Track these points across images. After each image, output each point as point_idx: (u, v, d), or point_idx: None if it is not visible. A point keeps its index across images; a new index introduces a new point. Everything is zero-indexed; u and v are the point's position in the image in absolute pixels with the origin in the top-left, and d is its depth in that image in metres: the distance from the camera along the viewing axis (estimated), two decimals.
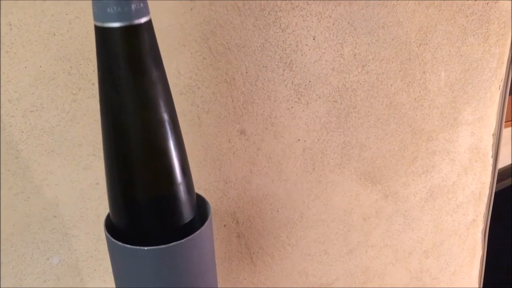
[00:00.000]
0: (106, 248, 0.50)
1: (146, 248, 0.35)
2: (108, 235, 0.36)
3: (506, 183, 1.19)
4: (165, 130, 0.32)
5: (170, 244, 0.35)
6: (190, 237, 0.36)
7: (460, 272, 0.84)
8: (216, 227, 0.57)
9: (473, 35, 0.65)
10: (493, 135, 0.76)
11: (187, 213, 0.36)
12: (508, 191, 1.19)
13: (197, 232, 0.36)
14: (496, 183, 1.17)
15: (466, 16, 0.63)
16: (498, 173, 1.20)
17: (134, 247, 0.35)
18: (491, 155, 0.78)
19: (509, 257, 1.26)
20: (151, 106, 0.31)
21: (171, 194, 0.34)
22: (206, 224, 0.37)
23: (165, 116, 0.32)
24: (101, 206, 0.48)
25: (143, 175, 0.33)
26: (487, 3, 0.64)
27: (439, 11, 0.61)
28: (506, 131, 1.18)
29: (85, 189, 0.47)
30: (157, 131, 0.32)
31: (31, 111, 0.42)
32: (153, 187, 0.34)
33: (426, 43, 0.62)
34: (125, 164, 0.33)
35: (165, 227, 0.35)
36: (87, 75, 0.43)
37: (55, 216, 0.47)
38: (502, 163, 1.25)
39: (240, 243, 0.59)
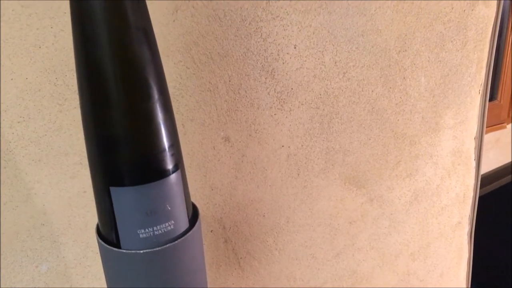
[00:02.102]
0: (95, 255, 0.51)
1: (141, 251, 0.36)
2: (102, 242, 0.37)
3: (493, 186, 1.21)
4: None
5: (164, 246, 0.36)
6: (182, 238, 0.37)
7: (447, 274, 0.86)
8: (203, 232, 0.58)
9: (451, 42, 0.67)
10: (475, 138, 0.78)
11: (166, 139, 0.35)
12: (496, 193, 1.20)
13: (189, 233, 0.37)
14: (483, 187, 1.19)
15: (444, 23, 0.65)
16: (485, 177, 1.23)
17: (128, 251, 0.36)
18: (473, 158, 0.79)
19: (496, 259, 1.28)
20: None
21: (148, 110, 0.32)
22: (196, 225, 0.38)
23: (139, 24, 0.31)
24: (89, 214, 0.49)
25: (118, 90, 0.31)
26: (464, 11, 0.66)
27: (417, 19, 0.63)
28: (488, 136, 1.20)
29: (72, 197, 0.48)
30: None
31: (18, 122, 0.43)
32: (130, 103, 0.31)
33: (405, 50, 0.64)
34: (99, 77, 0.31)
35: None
36: (72, 86, 0.44)
37: (43, 224, 0.48)
38: (489, 166, 1.27)
39: (227, 248, 0.60)
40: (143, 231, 0.34)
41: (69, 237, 0.49)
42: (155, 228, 0.34)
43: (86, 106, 0.32)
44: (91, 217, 0.50)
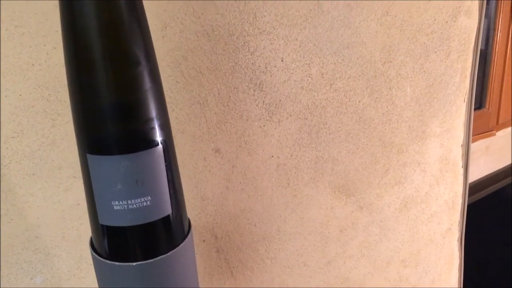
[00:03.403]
0: (88, 267, 0.52)
1: (134, 264, 0.37)
2: (95, 255, 0.38)
3: (484, 192, 1.23)
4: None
5: (156, 258, 0.37)
6: (174, 250, 0.38)
7: (438, 280, 0.87)
8: (195, 243, 0.59)
9: (435, 52, 0.69)
10: (461, 146, 0.79)
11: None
12: (487, 200, 1.22)
13: (181, 244, 0.39)
14: (475, 193, 1.20)
15: (427, 35, 0.67)
16: (476, 183, 1.24)
17: (121, 263, 0.37)
18: (461, 165, 0.81)
19: (488, 266, 1.29)
20: None
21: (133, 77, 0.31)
22: (188, 236, 0.39)
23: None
24: (82, 226, 0.50)
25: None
26: (446, 22, 0.68)
27: (400, 31, 0.64)
28: (478, 144, 1.22)
29: (66, 210, 0.49)
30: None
31: (12, 137, 0.44)
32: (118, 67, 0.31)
33: (390, 61, 0.65)
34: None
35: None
36: (65, 101, 0.45)
37: (38, 237, 0.49)
38: (480, 173, 1.28)
39: (219, 257, 0.61)
40: (117, 203, 0.33)
41: (63, 249, 0.50)
42: (129, 202, 0.33)
43: (71, 71, 0.31)
44: (85, 230, 0.51)
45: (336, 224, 0.70)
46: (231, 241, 0.61)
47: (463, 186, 0.82)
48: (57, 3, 0.42)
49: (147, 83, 0.32)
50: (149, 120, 0.32)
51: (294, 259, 0.68)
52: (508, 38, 1.16)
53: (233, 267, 0.63)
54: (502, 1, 1.11)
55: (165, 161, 0.34)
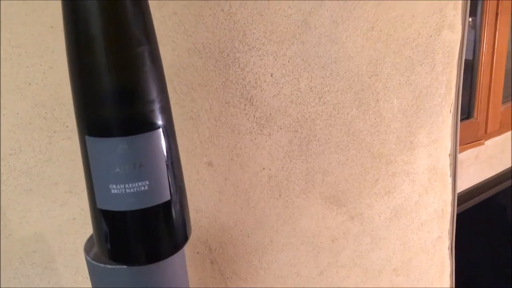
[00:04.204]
0: (85, 280, 0.53)
1: (125, 267, 0.39)
2: (89, 259, 0.39)
3: (475, 201, 1.24)
4: None
5: (148, 265, 0.39)
6: (166, 259, 0.39)
7: None
8: (189, 254, 0.60)
9: (420, 65, 0.71)
10: (449, 155, 0.81)
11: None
12: (478, 208, 1.24)
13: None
14: (465, 202, 1.22)
15: (412, 48, 0.69)
16: (466, 192, 1.26)
17: (113, 266, 0.39)
18: (449, 175, 0.83)
19: (479, 273, 1.30)
20: None
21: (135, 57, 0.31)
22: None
23: None
24: (78, 240, 0.51)
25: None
26: (430, 36, 0.70)
27: (386, 45, 0.67)
28: (468, 153, 1.24)
29: (62, 225, 0.50)
30: None
31: (10, 154, 0.46)
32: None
33: (377, 74, 0.67)
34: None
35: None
36: (61, 118, 0.47)
37: (35, 251, 0.50)
38: (470, 182, 1.30)
39: (213, 269, 0.63)
40: (114, 186, 0.32)
41: (60, 263, 0.51)
42: (127, 186, 0.32)
43: (71, 51, 0.31)
44: (81, 243, 0.52)
45: (327, 234, 0.71)
46: (225, 252, 0.63)
47: (452, 195, 0.84)
48: (52, 23, 0.44)
49: (148, 64, 0.31)
50: (149, 102, 0.31)
51: (287, 269, 0.69)
52: (493, 49, 1.18)
53: (227, 278, 0.64)
54: (487, 14, 1.14)
55: (165, 145, 0.33)
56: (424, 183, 0.79)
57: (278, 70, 0.59)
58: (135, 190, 0.32)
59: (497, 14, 1.17)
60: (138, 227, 0.34)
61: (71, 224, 0.51)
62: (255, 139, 0.60)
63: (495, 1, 1.15)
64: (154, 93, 0.32)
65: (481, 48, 1.21)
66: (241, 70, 0.56)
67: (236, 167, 0.60)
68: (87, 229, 0.51)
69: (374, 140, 0.71)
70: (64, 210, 0.50)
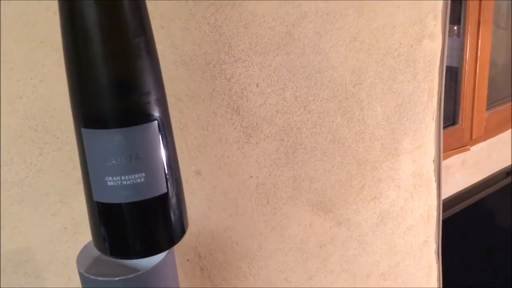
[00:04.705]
0: None
1: (116, 279, 0.40)
2: (80, 271, 0.40)
3: (462, 205, 1.26)
4: None
5: (138, 273, 0.40)
6: (155, 265, 0.41)
7: None
8: (179, 262, 0.61)
9: (402, 74, 0.73)
10: (433, 161, 0.83)
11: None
12: (465, 212, 1.26)
13: (161, 260, 0.41)
14: (452, 207, 1.24)
15: (394, 58, 0.71)
16: (454, 197, 1.28)
17: (104, 278, 0.40)
18: (434, 180, 0.85)
19: (466, 277, 1.32)
20: None
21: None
22: (169, 251, 0.42)
23: None
24: (70, 249, 0.52)
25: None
26: (411, 45, 0.73)
27: (368, 55, 0.69)
28: (454, 159, 1.26)
29: (54, 234, 0.51)
30: None
31: (2, 166, 0.47)
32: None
33: (360, 83, 0.69)
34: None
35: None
36: (51, 130, 0.48)
37: (27, 261, 0.51)
38: (457, 187, 1.32)
39: (203, 276, 0.64)
40: (111, 178, 0.32)
41: (52, 272, 0.52)
42: (123, 178, 0.32)
43: (67, 42, 0.31)
44: (72, 252, 0.53)
45: (315, 240, 0.72)
46: (215, 259, 0.64)
47: (437, 200, 0.86)
48: (43, 38, 0.46)
49: (144, 56, 0.31)
50: (145, 94, 0.31)
51: (276, 275, 0.70)
52: (476, 57, 1.21)
53: (217, 285, 0.65)
54: (469, 23, 1.17)
55: (161, 137, 0.33)
56: (409, 189, 0.81)
57: (263, 80, 0.61)
58: (132, 182, 0.32)
59: (479, 23, 1.20)
60: (134, 219, 0.34)
61: (63, 233, 0.52)
62: (242, 147, 0.62)
63: (477, 10, 1.18)
64: (150, 85, 0.32)
65: (464, 56, 1.24)
66: (227, 81, 0.58)
67: (224, 175, 0.62)
68: (78, 238, 0.52)
69: (359, 147, 0.73)
70: (55, 219, 0.51)
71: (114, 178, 0.32)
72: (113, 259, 0.47)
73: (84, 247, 0.45)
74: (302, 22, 0.61)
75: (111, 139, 0.31)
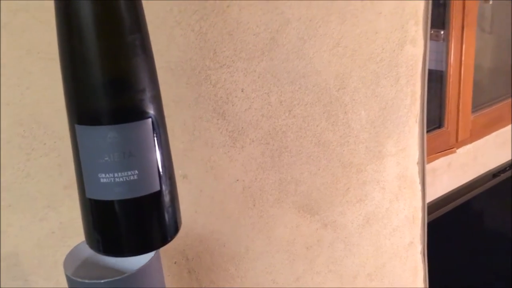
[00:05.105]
0: None
1: (102, 281, 0.41)
2: (67, 274, 0.41)
3: (449, 207, 1.28)
4: None
5: (123, 276, 0.41)
6: (140, 267, 0.42)
7: None
8: (167, 265, 0.62)
9: (385, 78, 0.75)
10: (417, 163, 0.85)
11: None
12: (452, 214, 1.28)
13: (147, 262, 0.42)
14: (440, 208, 1.26)
15: (377, 63, 0.73)
16: (441, 199, 1.30)
17: (92, 281, 0.41)
18: (418, 182, 0.86)
19: (454, 278, 1.34)
20: None
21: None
22: (155, 253, 0.43)
23: None
24: (58, 253, 0.53)
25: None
26: (394, 51, 0.74)
27: (351, 60, 0.70)
28: (440, 161, 1.28)
29: (42, 238, 0.52)
30: None
31: None
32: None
33: (344, 88, 0.71)
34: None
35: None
36: (39, 136, 0.49)
37: (16, 265, 0.52)
38: (444, 189, 1.34)
39: (191, 278, 0.65)
40: (104, 175, 0.31)
41: (40, 275, 0.53)
42: (116, 175, 0.31)
43: (62, 38, 0.31)
44: (60, 256, 0.54)
45: (302, 242, 0.74)
46: (202, 262, 0.65)
47: (422, 201, 0.88)
48: (30, 46, 0.47)
49: (139, 53, 0.31)
50: (139, 91, 0.31)
51: (264, 277, 0.71)
52: (460, 61, 1.24)
53: (204, 287, 0.66)
54: (453, 28, 1.19)
55: (155, 135, 0.32)
56: (394, 191, 0.83)
57: (248, 85, 0.62)
58: (124, 179, 0.32)
59: (463, 27, 1.22)
60: (127, 217, 0.33)
61: (50, 238, 0.52)
62: (228, 151, 0.63)
63: (461, 15, 1.21)
64: (144, 82, 0.31)
65: (449, 60, 1.26)
66: (212, 87, 0.59)
67: (211, 179, 0.63)
68: (66, 242, 0.53)
69: (344, 150, 0.74)
70: (43, 224, 0.52)
71: (107, 175, 0.31)
72: (100, 262, 0.48)
73: (71, 251, 0.46)
74: (285, 28, 0.63)
75: (104, 136, 0.31)
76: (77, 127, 0.31)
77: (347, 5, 0.67)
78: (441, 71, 1.30)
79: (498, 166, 1.49)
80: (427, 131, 1.25)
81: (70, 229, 0.53)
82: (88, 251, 0.48)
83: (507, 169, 1.50)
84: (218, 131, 0.61)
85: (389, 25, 0.72)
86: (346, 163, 0.75)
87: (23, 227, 0.51)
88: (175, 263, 0.63)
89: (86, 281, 0.41)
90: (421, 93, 0.80)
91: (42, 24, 0.46)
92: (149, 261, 0.43)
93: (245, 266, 0.69)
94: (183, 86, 0.57)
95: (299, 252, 0.74)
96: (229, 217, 0.65)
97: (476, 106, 1.38)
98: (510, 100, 1.48)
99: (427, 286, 0.94)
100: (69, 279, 0.42)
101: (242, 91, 0.62)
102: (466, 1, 1.19)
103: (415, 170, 0.85)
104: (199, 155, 0.61)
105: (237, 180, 0.65)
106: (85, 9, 0.29)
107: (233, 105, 0.62)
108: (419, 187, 0.86)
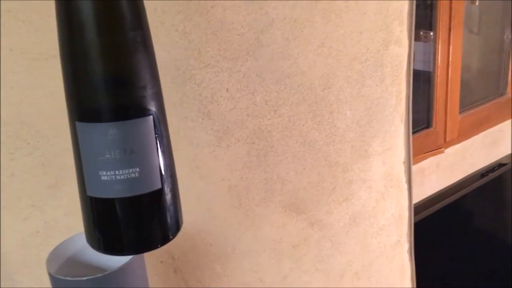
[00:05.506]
0: None
1: (84, 278, 0.41)
2: (50, 272, 0.41)
3: (438, 206, 1.29)
4: None
5: (106, 273, 0.41)
6: (122, 265, 0.42)
7: None
8: (153, 264, 0.62)
9: (370, 78, 0.75)
10: (403, 163, 0.86)
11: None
12: (441, 214, 1.29)
13: (129, 260, 0.43)
14: (428, 208, 1.27)
15: (361, 63, 0.74)
16: (430, 199, 1.31)
17: (74, 279, 0.41)
18: (405, 181, 0.87)
19: (442, 276, 1.35)
20: None
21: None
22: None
23: None
24: (42, 252, 0.53)
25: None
26: (378, 51, 0.75)
27: (336, 60, 0.71)
28: (429, 161, 1.29)
29: (26, 238, 0.52)
30: None
31: None
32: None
33: (329, 87, 0.72)
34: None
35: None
36: (22, 136, 0.49)
37: (1, 265, 0.52)
38: (433, 189, 1.35)
39: (177, 277, 0.65)
40: (104, 173, 0.31)
41: (25, 275, 0.53)
42: (117, 172, 0.31)
43: (63, 35, 0.30)
44: (45, 255, 0.54)
45: (288, 240, 0.74)
46: (188, 261, 0.65)
47: (409, 200, 0.88)
48: (12, 45, 0.47)
49: (141, 50, 0.31)
50: (140, 88, 0.31)
51: (250, 275, 0.72)
52: (448, 62, 1.25)
53: (191, 286, 0.67)
54: (440, 29, 1.20)
55: (156, 132, 0.32)
56: (380, 190, 0.83)
57: (233, 85, 0.63)
58: (125, 177, 0.31)
59: (450, 28, 1.23)
60: (128, 215, 0.33)
61: (35, 237, 0.53)
62: (213, 151, 0.63)
63: (448, 16, 1.22)
64: (146, 79, 0.31)
65: (436, 61, 1.27)
66: (197, 86, 0.60)
67: (196, 178, 0.63)
68: (51, 241, 0.53)
69: (330, 150, 0.75)
70: (27, 223, 0.52)
71: (108, 173, 0.31)
72: (84, 260, 0.49)
73: (54, 249, 0.46)
74: (270, 28, 0.63)
75: (105, 133, 0.30)
76: (78, 124, 0.31)
77: (332, 5, 0.68)
78: (429, 72, 1.31)
79: (486, 166, 1.50)
80: (415, 131, 1.26)
81: (54, 228, 0.53)
82: (72, 250, 0.48)
83: (495, 169, 1.51)
84: (203, 131, 0.62)
85: (373, 25, 0.73)
86: (332, 162, 0.76)
87: (7, 227, 0.51)
88: (161, 262, 0.63)
89: (68, 278, 0.41)
90: (407, 93, 0.81)
91: (24, 23, 0.47)
92: (131, 259, 0.44)
93: (232, 265, 0.69)
94: (167, 86, 0.58)
95: (285, 251, 0.74)
96: (216, 216, 0.66)
97: (465, 106, 1.40)
98: (497, 100, 1.50)
99: (415, 285, 0.95)
100: (51, 277, 0.43)
101: (227, 90, 0.62)
102: (452, 2, 1.21)
103: (401, 169, 0.85)
104: (184, 155, 0.61)
105: (223, 179, 0.65)
106: (86, 6, 0.29)
107: (218, 105, 0.62)
108: (405, 186, 0.87)
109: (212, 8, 0.58)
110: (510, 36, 1.50)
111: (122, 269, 0.42)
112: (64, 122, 0.51)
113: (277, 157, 0.69)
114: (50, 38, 0.48)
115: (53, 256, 0.45)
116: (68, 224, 0.53)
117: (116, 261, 0.44)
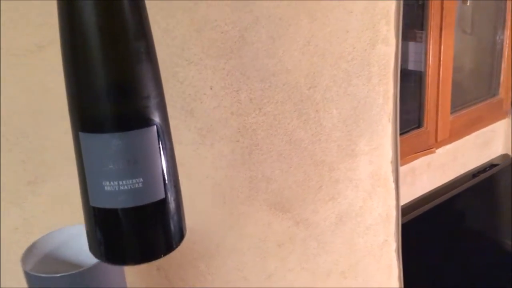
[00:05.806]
0: None
1: (58, 275, 0.41)
2: (24, 269, 0.41)
3: (428, 206, 1.29)
4: None
5: (80, 270, 0.41)
6: (95, 263, 0.42)
7: None
8: None
9: (357, 77, 0.75)
10: (391, 162, 0.86)
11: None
12: (431, 214, 1.29)
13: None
14: (419, 208, 1.27)
15: (348, 62, 0.74)
16: (422, 198, 1.31)
17: (48, 275, 0.41)
18: (392, 180, 0.87)
19: (431, 276, 1.35)
20: None
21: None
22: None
23: None
24: (21, 250, 0.53)
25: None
26: (365, 50, 0.75)
27: (322, 59, 0.71)
28: (420, 161, 1.29)
29: (5, 235, 0.52)
30: None
31: None
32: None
33: (315, 86, 0.71)
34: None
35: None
36: (1, 132, 0.49)
37: None
38: (424, 189, 1.36)
39: (160, 275, 0.65)
40: (108, 183, 0.31)
41: (3, 272, 0.53)
42: (120, 183, 0.31)
43: (65, 46, 0.30)
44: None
45: (274, 239, 0.74)
46: (171, 259, 0.65)
47: (396, 200, 0.88)
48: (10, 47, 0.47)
49: (144, 60, 0.31)
50: (144, 98, 0.31)
51: (235, 274, 0.71)
52: (439, 62, 1.25)
53: (174, 284, 0.66)
54: (431, 29, 1.20)
55: (159, 143, 0.32)
56: (367, 189, 0.83)
57: (217, 83, 0.62)
58: (129, 187, 0.31)
59: (441, 28, 1.23)
60: (131, 225, 0.33)
61: (14, 234, 0.52)
62: (197, 149, 0.63)
63: (439, 16, 1.22)
64: (149, 89, 0.31)
65: (427, 61, 1.27)
66: (180, 84, 0.60)
67: (180, 176, 0.63)
68: (30, 238, 0.53)
69: (316, 149, 0.74)
70: (6, 220, 0.52)
71: (112, 183, 0.31)
72: (61, 258, 0.48)
73: (30, 246, 0.46)
74: (254, 26, 0.63)
75: (109, 143, 0.31)
76: (81, 134, 0.31)
77: (317, 4, 0.68)
78: (420, 72, 1.31)
79: (477, 166, 1.50)
80: (406, 131, 1.26)
81: (33, 225, 0.53)
82: (48, 247, 0.48)
83: (486, 169, 1.51)
84: (186, 129, 0.62)
85: (360, 24, 0.73)
86: (318, 161, 0.75)
87: None
88: None
89: (42, 275, 0.41)
90: (394, 92, 0.81)
91: (3, 20, 0.46)
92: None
93: (216, 263, 0.69)
94: None
95: (270, 250, 0.74)
96: (199, 214, 0.66)
97: (457, 107, 1.40)
98: (489, 101, 1.50)
99: (402, 285, 0.95)
100: (26, 274, 0.42)
101: (211, 88, 0.62)
102: (444, 2, 1.21)
103: (388, 169, 0.85)
104: None
105: (207, 177, 0.65)
106: (90, 16, 0.29)
107: (201, 103, 0.62)
108: (392, 185, 0.87)
109: (195, 5, 0.58)
110: (502, 37, 1.50)
111: (97, 266, 0.42)
112: (44, 118, 0.51)
113: (262, 155, 0.69)
114: (28, 34, 0.48)
115: (28, 253, 0.45)
116: (48, 221, 0.53)
117: (94, 258, 0.44)
